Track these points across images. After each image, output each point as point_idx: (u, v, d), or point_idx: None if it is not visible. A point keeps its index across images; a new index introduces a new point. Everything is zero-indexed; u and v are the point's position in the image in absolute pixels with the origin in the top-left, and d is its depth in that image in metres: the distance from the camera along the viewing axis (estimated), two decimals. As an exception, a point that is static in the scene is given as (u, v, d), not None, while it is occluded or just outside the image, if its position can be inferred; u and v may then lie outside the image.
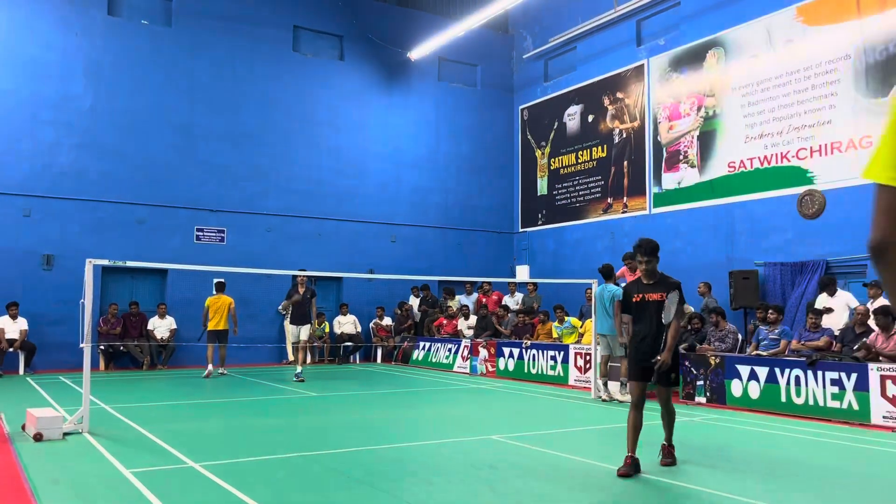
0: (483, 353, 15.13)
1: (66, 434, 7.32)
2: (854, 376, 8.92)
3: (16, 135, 15.10)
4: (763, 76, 14.41)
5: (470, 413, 9.75)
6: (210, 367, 14.09)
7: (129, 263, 9.17)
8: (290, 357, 17.14)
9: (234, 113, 17.46)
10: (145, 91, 16.45)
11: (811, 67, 13.58)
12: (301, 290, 13.58)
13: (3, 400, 10.19)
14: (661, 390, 6.33)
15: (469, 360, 15.48)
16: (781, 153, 14.02)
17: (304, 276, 13.27)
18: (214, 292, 14.82)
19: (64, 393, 11.01)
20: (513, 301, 17.03)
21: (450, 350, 16.16)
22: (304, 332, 13.65)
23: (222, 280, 14.88)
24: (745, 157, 14.69)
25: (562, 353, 13.23)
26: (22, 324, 14.35)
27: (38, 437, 7.06)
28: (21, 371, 14.20)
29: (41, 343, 14.58)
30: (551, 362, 13.44)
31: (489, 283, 17.59)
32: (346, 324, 17.70)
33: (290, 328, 13.78)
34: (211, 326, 14.32)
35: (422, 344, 17.18)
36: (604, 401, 10.83)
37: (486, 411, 10.00)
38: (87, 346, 7.78)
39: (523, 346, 14.08)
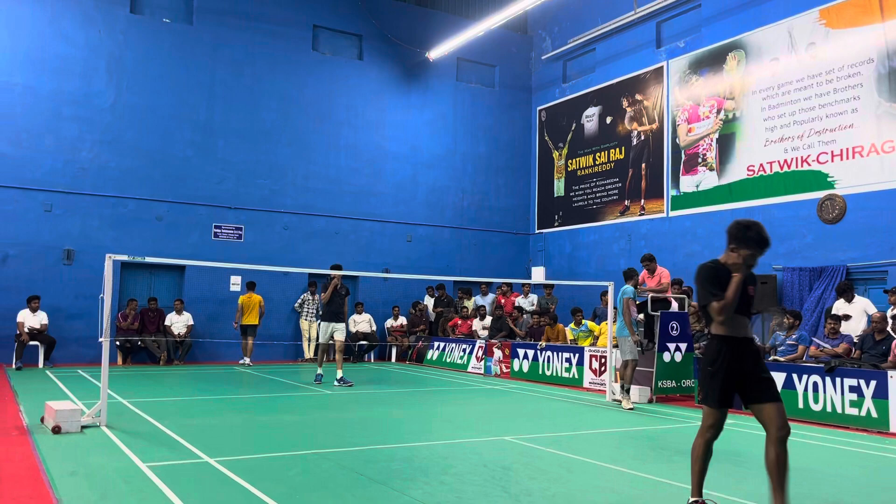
0: (497, 353, 15.11)
1: (83, 427, 7.40)
2: (873, 383, 8.81)
3: (38, 130, 15.30)
4: (784, 79, 14.29)
5: (483, 414, 9.74)
6: (246, 359, 16.23)
7: (148, 259, 9.23)
8: (308, 355, 17.22)
9: (254, 111, 17.58)
10: (166, 88, 16.60)
11: (833, 71, 13.45)
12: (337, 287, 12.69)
13: (22, 392, 10.34)
14: (775, 409, 4.35)
15: (483, 361, 15.48)
16: (802, 157, 13.89)
17: (339, 275, 12.56)
18: (246, 290, 16.56)
19: (82, 386, 11.14)
20: (527, 302, 16.99)
21: (464, 350, 16.16)
22: (340, 331, 12.59)
23: (253, 281, 16.50)
24: (764, 161, 14.58)
25: (577, 355, 13.19)
26: (42, 317, 14.53)
27: (56, 430, 7.15)
28: (40, 364, 14.39)
29: (60, 336, 14.76)
30: (566, 364, 13.39)
31: (509, 284, 17.57)
32: (362, 322, 17.76)
33: (320, 326, 12.91)
34: (244, 321, 16.23)
35: (436, 344, 17.19)
36: (617, 402, 10.75)
37: (500, 412, 9.99)
38: (105, 341, 7.87)
39: (538, 347, 14.05)
